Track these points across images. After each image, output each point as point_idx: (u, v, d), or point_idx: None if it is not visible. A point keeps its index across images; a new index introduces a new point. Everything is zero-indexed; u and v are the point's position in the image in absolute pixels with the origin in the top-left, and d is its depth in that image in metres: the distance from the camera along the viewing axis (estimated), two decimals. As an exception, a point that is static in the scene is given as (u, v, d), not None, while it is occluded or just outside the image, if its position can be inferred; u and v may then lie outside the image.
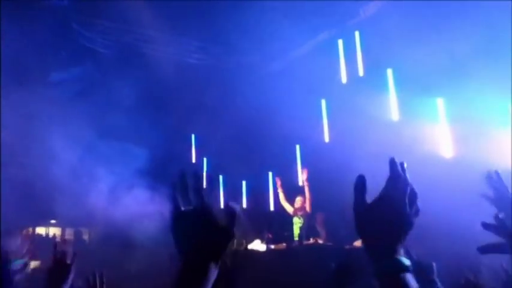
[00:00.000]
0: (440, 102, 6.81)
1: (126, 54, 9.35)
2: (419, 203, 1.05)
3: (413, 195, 1.04)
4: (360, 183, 1.06)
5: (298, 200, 7.41)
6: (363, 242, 1.06)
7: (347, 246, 6.70)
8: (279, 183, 8.05)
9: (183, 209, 1.01)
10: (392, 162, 1.04)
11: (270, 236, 7.18)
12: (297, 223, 7.29)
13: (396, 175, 1.03)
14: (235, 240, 7.53)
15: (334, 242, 6.69)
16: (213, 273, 0.96)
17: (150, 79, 9.18)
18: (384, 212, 1.01)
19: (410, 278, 0.95)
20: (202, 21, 8.72)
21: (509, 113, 5.79)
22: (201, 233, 0.98)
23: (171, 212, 1.01)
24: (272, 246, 6.84)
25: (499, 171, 1.50)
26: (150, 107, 9.38)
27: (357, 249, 6.77)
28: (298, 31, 8.59)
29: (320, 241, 6.83)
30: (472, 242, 1.46)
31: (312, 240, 6.85)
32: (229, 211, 1.03)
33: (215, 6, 7.99)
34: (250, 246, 7.13)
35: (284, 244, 6.77)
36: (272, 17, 7.78)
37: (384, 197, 1.03)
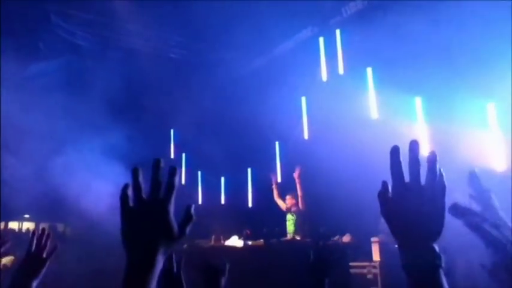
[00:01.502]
0: (418, 101, 6.90)
1: (106, 47, 9.19)
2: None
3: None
4: (396, 164, 1.03)
5: (289, 198, 7.42)
6: (393, 231, 1.03)
7: (321, 243, 6.73)
8: (274, 180, 8.00)
9: (131, 205, 0.99)
10: (431, 157, 1.01)
11: (248, 232, 7.16)
12: (290, 219, 7.29)
13: (436, 170, 1.00)
14: (213, 236, 7.52)
15: (312, 239, 6.72)
16: (160, 266, 0.95)
17: (130, 73, 9.05)
18: (423, 205, 0.98)
19: (442, 274, 0.94)
20: (184, 16, 8.63)
21: (487, 113, 5.90)
22: (150, 227, 0.96)
23: (121, 209, 0.99)
24: (249, 243, 6.83)
25: (477, 170, 1.51)
26: (129, 101, 9.26)
27: (332, 245, 6.84)
28: (280, 29, 8.59)
29: (297, 237, 6.85)
30: (451, 241, 1.47)
31: (289, 237, 6.87)
32: (187, 212, 1.02)
33: (197, 2, 7.91)
34: (227, 243, 7.11)
35: (262, 241, 6.76)
36: (254, 14, 7.76)
37: (425, 189, 1.00)
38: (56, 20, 8.80)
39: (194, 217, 1.03)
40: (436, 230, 0.97)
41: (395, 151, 1.03)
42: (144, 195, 0.99)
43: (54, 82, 8.15)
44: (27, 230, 11.04)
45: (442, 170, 1.01)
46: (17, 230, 11.03)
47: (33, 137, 7.46)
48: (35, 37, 8.59)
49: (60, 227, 10.76)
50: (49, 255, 1.82)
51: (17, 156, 7.53)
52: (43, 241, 1.83)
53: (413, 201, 0.99)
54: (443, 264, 0.95)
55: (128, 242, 0.96)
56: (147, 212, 0.97)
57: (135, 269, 0.93)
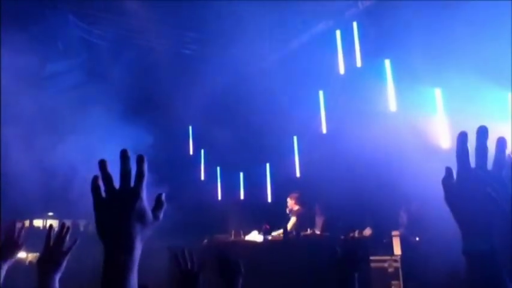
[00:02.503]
0: (438, 93, 6.80)
1: (121, 45, 9.28)
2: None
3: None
4: (463, 149, 1.02)
5: (288, 202, 7.47)
6: (457, 217, 1.02)
7: (342, 237, 6.72)
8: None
9: (104, 195, 1.01)
10: (501, 142, 1.00)
11: (268, 227, 7.18)
12: (292, 221, 7.33)
13: (504, 156, 0.99)
14: (232, 231, 7.56)
15: (331, 233, 6.70)
16: (138, 253, 0.96)
17: (147, 71, 9.13)
18: (489, 191, 0.98)
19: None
20: (198, 12, 8.65)
21: (508, 104, 5.78)
22: (124, 215, 0.97)
23: (93, 200, 1.01)
24: (269, 237, 6.85)
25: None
26: (147, 99, 9.35)
27: (352, 240, 6.81)
28: (295, 22, 8.55)
29: (317, 232, 6.84)
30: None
31: (309, 231, 6.86)
32: (158, 198, 1.04)
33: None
34: (247, 237, 7.14)
35: (281, 235, 6.77)
36: (270, 7, 7.73)
37: (492, 175, 0.99)
38: (73, 20, 8.93)
39: (165, 203, 1.04)
40: (496, 216, 0.98)
41: (462, 137, 1.02)
42: (114, 186, 1.00)
43: (72, 81, 8.27)
44: (50, 226, 11.25)
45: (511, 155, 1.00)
46: (41, 228, 11.25)
47: (54, 136, 7.60)
48: (53, 37, 8.71)
49: (82, 225, 10.95)
50: (69, 248, 1.85)
51: (39, 155, 7.67)
52: (62, 235, 1.87)
53: (479, 188, 0.98)
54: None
55: (104, 232, 0.97)
56: (119, 201, 0.99)
57: (114, 258, 0.94)
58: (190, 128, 11.22)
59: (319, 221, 7.37)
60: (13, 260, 1.94)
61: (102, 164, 1.01)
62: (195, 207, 9.05)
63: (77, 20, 9.00)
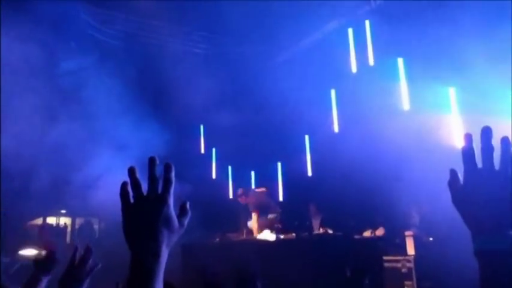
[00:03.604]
0: (452, 92, 6.72)
1: (133, 44, 9.33)
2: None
3: None
4: (468, 150, 1.00)
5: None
6: (466, 219, 1.01)
7: (356, 237, 6.69)
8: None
9: (132, 201, 1.03)
10: (506, 142, 0.98)
11: (280, 226, 7.17)
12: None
13: (510, 156, 0.98)
14: (244, 230, 7.56)
15: (343, 232, 6.67)
16: (164, 259, 0.98)
17: (157, 69, 9.16)
18: (497, 190, 0.96)
19: None
20: (209, 10, 8.66)
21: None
22: (151, 220, 0.99)
23: (122, 206, 1.03)
24: (282, 236, 6.84)
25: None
26: (157, 98, 9.38)
27: (365, 239, 6.78)
28: (307, 20, 8.51)
29: (330, 231, 6.82)
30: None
31: (321, 230, 6.84)
32: (183, 206, 1.07)
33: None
34: (259, 236, 7.13)
35: (294, 234, 6.76)
36: (281, 5, 7.71)
37: (499, 175, 0.97)
38: (86, 19, 9.00)
39: (189, 211, 1.07)
40: (511, 215, 0.96)
41: (468, 138, 1.01)
42: (142, 192, 1.03)
43: (84, 79, 8.33)
44: (64, 224, 11.39)
45: None
46: (54, 225, 11.39)
47: (66, 133, 7.67)
48: (66, 36, 8.79)
49: (95, 223, 11.05)
50: (92, 269, 1.91)
51: (51, 153, 7.75)
52: (86, 257, 1.93)
53: (487, 188, 0.97)
54: None
55: (131, 237, 1.00)
56: (147, 207, 1.01)
57: (141, 263, 0.96)
58: (201, 126, 11.24)
59: (315, 221, 7.40)
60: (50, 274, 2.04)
61: (131, 171, 1.04)
62: (206, 206, 9.07)
63: (90, 19, 9.08)
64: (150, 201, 1.01)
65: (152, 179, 1.03)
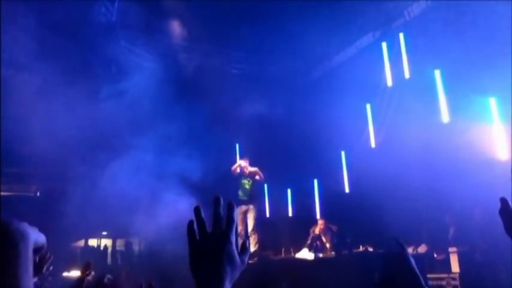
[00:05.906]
0: (493, 102, 6.51)
1: (171, 66, 9.56)
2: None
3: None
4: None
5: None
6: None
7: (404, 253, 6.49)
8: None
9: (198, 238, 1.08)
10: None
11: (319, 244, 7.07)
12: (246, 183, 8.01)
13: None
14: (283, 249, 7.49)
15: (385, 249, 6.50)
16: None
17: (196, 90, 9.33)
18: None
19: None
20: (242, 30, 8.79)
21: None
22: (216, 257, 1.05)
23: (188, 243, 1.09)
24: (320, 255, 6.73)
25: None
26: (195, 119, 9.51)
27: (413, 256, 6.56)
28: (341, 35, 8.51)
29: (370, 249, 6.66)
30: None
31: (361, 248, 6.70)
32: (243, 245, 1.11)
33: (255, 15, 8.03)
34: (298, 255, 7.04)
35: (333, 253, 6.64)
36: (315, 21, 7.74)
37: None
38: (125, 44, 9.32)
39: (249, 250, 1.13)
40: None
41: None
42: (207, 230, 1.08)
43: (125, 102, 8.56)
44: (105, 246, 11.62)
45: None
46: (95, 247, 11.63)
47: (108, 156, 7.88)
48: (108, 61, 9.13)
49: (135, 243, 11.21)
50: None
51: (93, 176, 7.97)
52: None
53: None
54: None
55: (197, 273, 1.05)
56: (212, 244, 1.06)
57: None
58: (237, 145, 11.29)
59: (326, 237, 7.32)
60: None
61: (197, 211, 1.09)
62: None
63: (129, 44, 9.40)
64: (214, 238, 1.07)
65: (217, 218, 1.08)
